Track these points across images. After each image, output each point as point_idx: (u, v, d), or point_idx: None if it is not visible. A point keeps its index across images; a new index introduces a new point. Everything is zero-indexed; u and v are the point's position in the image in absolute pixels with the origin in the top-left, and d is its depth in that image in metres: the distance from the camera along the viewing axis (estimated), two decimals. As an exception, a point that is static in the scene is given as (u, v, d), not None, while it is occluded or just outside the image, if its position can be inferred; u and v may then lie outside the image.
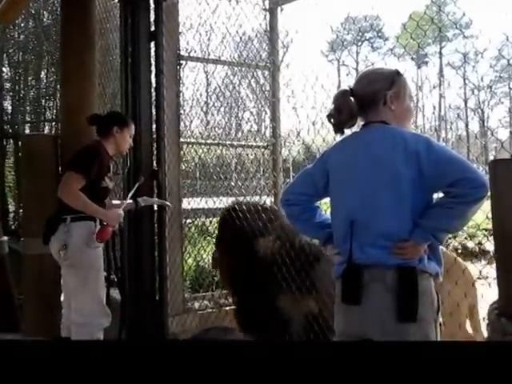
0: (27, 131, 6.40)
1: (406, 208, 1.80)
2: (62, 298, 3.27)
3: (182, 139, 3.98)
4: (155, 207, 3.84)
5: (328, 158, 2.00)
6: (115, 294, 3.96)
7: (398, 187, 1.79)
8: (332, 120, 1.97)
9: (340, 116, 1.94)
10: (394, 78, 1.95)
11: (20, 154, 6.16)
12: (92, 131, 3.39)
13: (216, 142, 4.46)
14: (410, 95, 1.99)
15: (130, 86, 3.67)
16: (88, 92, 3.74)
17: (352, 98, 1.95)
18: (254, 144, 4.33)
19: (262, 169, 4.32)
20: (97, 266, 3.10)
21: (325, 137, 3.14)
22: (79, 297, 3.06)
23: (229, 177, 4.72)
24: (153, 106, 3.73)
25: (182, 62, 3.87)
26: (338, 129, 1.98)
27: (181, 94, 3.90)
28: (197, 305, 4.25)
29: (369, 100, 1.93)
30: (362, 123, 1.99)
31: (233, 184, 4.65)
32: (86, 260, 3.02)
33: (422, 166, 1.77)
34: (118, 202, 3.39)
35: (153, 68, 3.72)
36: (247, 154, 4.46)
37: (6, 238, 4.09)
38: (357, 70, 32.49)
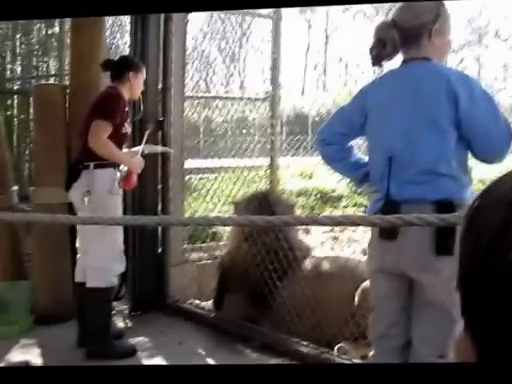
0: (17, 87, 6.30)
1: (446, 144, 1.83)
2: (77, 244, 3.31)
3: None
4: (159, 161, 3.88)
5: (366, 95, 1.98)
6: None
7: (439, 124, 1.82)
8: (373, 52, 1.92)
9: (383, 48, 1.90)
10: (439, 11, 1.90)
11: (9, 112, 6.05)
12: (101, 81, 3.37)
13: (213, 95, 4.48)
14: (451, 28, 1.96)
15: (140, 34, 3.64)
16: (97, 41, 3.68)
17: (394, 29, 1.89)
18: (254, 97, 4.37)
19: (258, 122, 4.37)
20: (117, 213, 3.14)
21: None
22: (98, 242, 3.10)
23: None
24: (160, 55, 3.72)
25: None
26: (377, 62, 1.94)
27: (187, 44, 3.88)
28: (195, 256, 4.35)
29: (413, 34, 1.88)
30: (401, 59, 1.95)
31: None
32: (108, 206, 3.05)
33: (459, 109, 1.80)
34: (126, 149, 3.40)
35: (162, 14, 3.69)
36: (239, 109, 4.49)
37: (15, 187, 4.06)
38: (326, 31, 32.20)
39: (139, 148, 3.37)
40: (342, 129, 2.04)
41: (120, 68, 3.18)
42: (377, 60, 1.94)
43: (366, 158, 2.10)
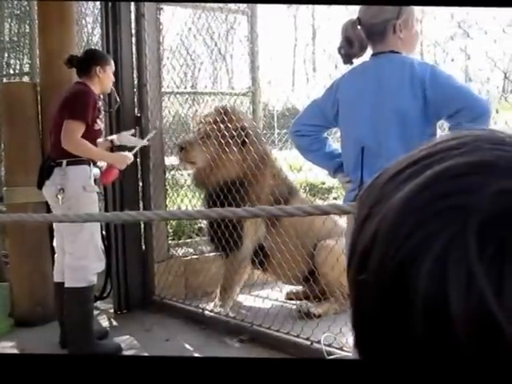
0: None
1: (415, 134, 1.85)
2: (54, 243, 3.27)
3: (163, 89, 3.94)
4: (138, 156, 3.83)
5: (338, 88, 2.03)
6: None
7: (407, 115, 1.85)
8: (342, 51, 1.98)
9: (351, 48, 1.96)
10: (401, 6, 1.93)
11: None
12: (72, 77, 3.31)
13: (193, 90, 4.43)
14: (417, 19, 2.02)
15: (111, 30, 3.59)
16: (66, 37, 3.62)
17: (359, 27, 1.95)
18: (234, 91, 4.34)
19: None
20: (94, 211, 3.08)
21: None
22: (75, 241, 3.06)
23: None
24: (134, 51, 3.68)
25: (161, 6, 3.79)
26: (348, 60, 2.00)
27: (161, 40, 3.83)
28: (180, 251, 4.31)
29: (378, 30, 1.94)
30: (370, 53, 2.01)
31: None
32: (82, 204, 2.99)
33: (427, 92, 1.83)
34: (100, 140, 3.33)
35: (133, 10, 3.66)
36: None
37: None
38: (313, 26, 32.15)
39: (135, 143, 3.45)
40: (316, 121, 2.10)
41: (85, 63, 3.11)
42: (346, 58, 2.00)
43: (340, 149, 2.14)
